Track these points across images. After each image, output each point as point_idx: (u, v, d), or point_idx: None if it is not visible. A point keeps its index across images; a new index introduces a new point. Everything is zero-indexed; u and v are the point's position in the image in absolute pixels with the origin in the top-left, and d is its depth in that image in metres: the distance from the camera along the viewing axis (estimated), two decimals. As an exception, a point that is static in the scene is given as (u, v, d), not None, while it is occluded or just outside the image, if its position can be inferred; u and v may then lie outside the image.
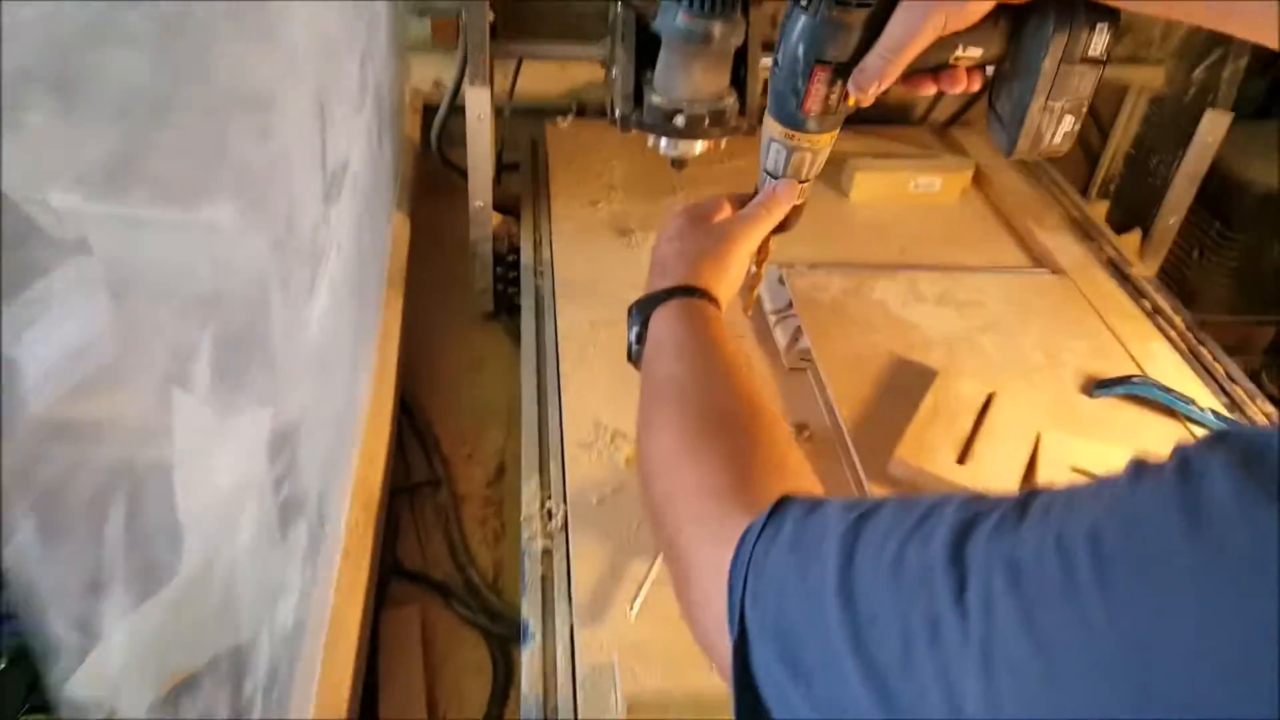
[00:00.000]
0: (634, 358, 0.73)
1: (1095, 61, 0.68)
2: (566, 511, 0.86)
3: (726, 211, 0.83)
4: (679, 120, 1.01)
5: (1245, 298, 1.61)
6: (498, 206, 1.31)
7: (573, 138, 1.44)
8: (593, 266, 1.17)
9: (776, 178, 0.80)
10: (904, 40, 0.66)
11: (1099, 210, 1.58)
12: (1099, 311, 1.16)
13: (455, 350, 1.32)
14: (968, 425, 0.93)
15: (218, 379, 0.54)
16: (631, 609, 0.76)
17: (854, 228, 1.30)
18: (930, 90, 0.71)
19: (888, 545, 0.38)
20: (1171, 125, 1.53)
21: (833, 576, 0.39)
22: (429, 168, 1.50)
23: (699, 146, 1.05)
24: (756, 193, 0.84)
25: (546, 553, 0.83)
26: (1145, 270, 1.31)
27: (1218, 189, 1.48)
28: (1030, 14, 0.68)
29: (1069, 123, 0.71)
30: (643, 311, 0.72)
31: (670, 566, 0.54)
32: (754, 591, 0.43)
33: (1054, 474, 0.88)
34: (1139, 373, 1.04)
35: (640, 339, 0.72)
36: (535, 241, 1.24)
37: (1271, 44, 0.56)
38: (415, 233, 1.35)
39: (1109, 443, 0.93)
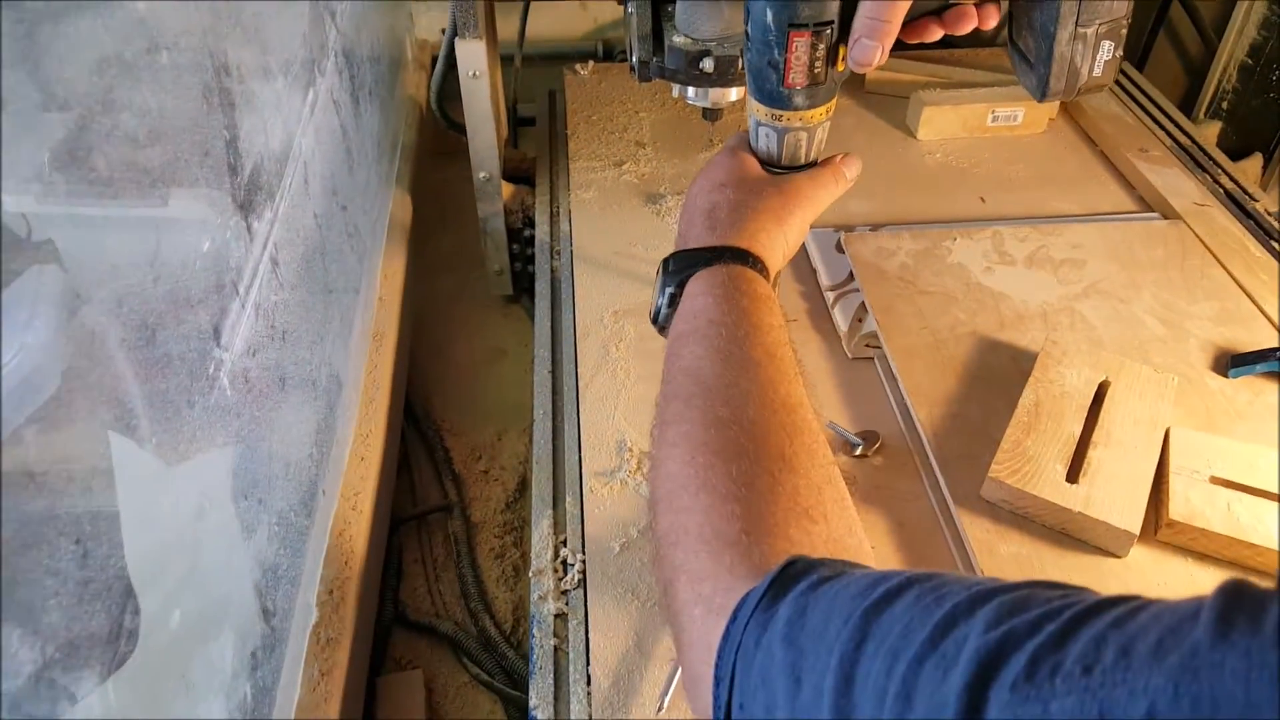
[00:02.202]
0: (661, 322, 0.60)
1: None
2: (584, 563, 0.70)
3: None
4: (706, 64, 0.85)
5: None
6: (511, 173, 1.15)
7: (595, 86, 1.26)
8: (617, 241, 0.99)
9: (773, 165, 0.67)
10: None
11: (1209, 133, 1.36)
12: (1223, 263, 0.95)
13: (471, 342, 1.16)
14: (1078, 426, 0.74)
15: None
16: (661, 704, 0.61)
17: (924, 175, 1.11)
18: (935, 35, 0.59)
19: (896, 667, 0.31)
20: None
21: (828, 697, 0.33)
22: (437, 130, 1.33)
23: (734, 93, 0.88)
24: None
25: (560, 617, 0.68)
26: (1271, 202, 1.10)
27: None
28: None
29: (1107, 49, 0.58)
30: (679, 272, 0.58)
31: (665, 618, 0.46)
32: (741, 689, 0.37)
33: (1189, 487, 0.70)
34: (1285, 342, 0.84)
35: (673, 303, 0.59)
36: (552, 214, 1.06)
37: None
38: (422, 205, 1.19)
39: (1255, 440, 0.75)
